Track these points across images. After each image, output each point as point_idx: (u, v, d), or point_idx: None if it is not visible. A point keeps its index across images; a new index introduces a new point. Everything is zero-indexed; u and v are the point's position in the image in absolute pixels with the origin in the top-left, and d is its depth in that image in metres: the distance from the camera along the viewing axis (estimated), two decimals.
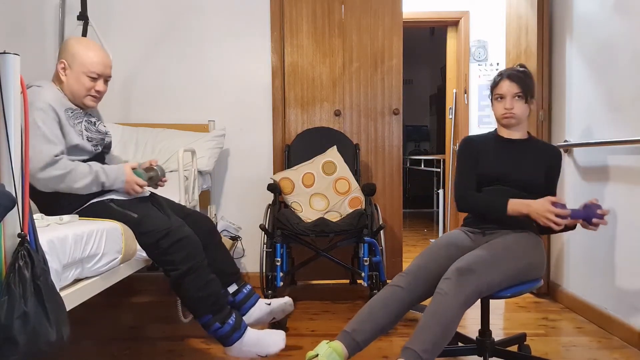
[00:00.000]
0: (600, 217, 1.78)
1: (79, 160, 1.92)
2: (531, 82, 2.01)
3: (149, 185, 2.10)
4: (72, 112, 1.95)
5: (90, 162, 1.95)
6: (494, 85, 2.04)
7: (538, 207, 1.81)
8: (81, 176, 1.87)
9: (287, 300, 2.27)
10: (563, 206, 1.81)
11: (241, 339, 1.91)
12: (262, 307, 2.20)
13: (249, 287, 2.23)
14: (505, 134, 2.05)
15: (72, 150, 1.91)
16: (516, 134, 2.04)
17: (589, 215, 1.79)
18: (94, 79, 1.97)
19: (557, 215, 1.78)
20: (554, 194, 2.00)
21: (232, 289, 2.17)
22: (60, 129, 1.87)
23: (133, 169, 2.02)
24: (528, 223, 1.94)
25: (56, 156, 1.82)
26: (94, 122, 2.05)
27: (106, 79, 2.02)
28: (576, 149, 2.78)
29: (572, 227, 1.88)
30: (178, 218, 2.03)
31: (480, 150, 2.04)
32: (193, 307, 1.91)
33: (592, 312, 2.61)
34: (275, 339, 1.96)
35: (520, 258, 1.80)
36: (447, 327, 1.60)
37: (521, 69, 2.05)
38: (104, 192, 1.95)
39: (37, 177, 1.79)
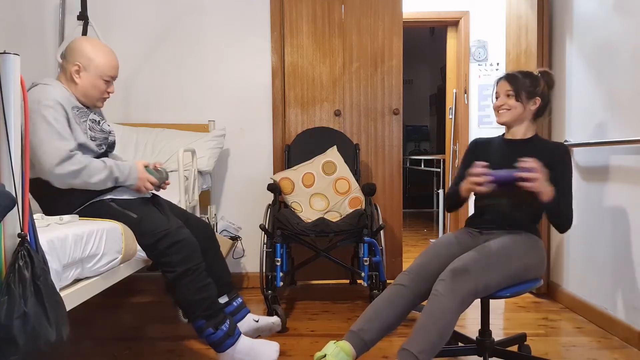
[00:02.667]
0: (524, 170, 1.73)
1: None
2: (532, 82, 2.00)
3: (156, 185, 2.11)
4: (78, 111, 1.95)
5: (103, 158, 1.96)
6: (494, 86, 2.09)
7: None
8: (96, 171, 1.88)
9: (275, 320, 2.28)
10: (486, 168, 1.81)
11: (234, 346, 1.89)
12: (250, 322, 2.20)
13: (240, 300, 2.23)
14: (509, 134, 2.07)
15: (80, 148, 1.91)
16: (519, 134, 2.04)
17: (511, 173, 1.76)
18: (107, 82, 2.02)
19: (479, 176, 1.79)
20: (565, 191, 1.90)
21: (222, 300, 2.15)
22: (69, 126, 1.88)
23: (145, 166, 2.04)
24: (527, 224, 1.94)
25: (71, 151, 1.83)
26: (98, 121, 2.05)
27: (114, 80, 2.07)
28: (576, 149, 2.78)
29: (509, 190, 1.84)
30: (177, 220, 2.03)
31: (484, 153, 2.07)
32: (187, 310, 1.90)
33: (592, 312, 2.61)
34: (269, 350, 1.95)
35: (517, 258, 1.80)
36: (443, 329, 1.60)
37: (529, 70, 2.07)
38: (104, 191, 1.95)
39: (55, 173, 1.80)
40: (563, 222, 1.89)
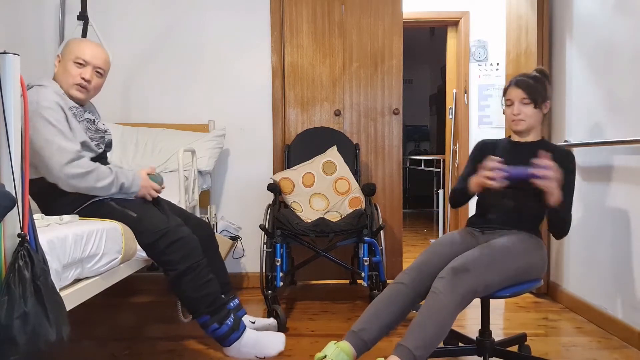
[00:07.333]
0: (539, 167, 1.72)
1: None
2: (542, 86, 1.99)
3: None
4: (76, 110, 1.95)
5: (109, 165, 1.98)
6: (504, 92, 2.05)
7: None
8: (103, 176, 1.88)
9: (271, 321, 2.29)
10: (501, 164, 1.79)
11: (239, 339, 1.91)
12: (246, 324, 2.20)
13: (236, 301, 2.23)
14: (517, 137, 2.06)
15: (82, 147, 1.91)
16: (528, 137, 2.03)
17: (526, 170, 1.75)
18: (81, 65, 1.95)
19: (492, 171, 1.77)
20: (568, 199, 1.89)
21: None
22: (68, 126, 1.87)
23: (148, 174, 2.04)
24: (529, 224, 1.94)
25: (79, 152, 1.83)
26: (93, 120, 2.05)
27: (96, 70, 1.99)
28: (576, 149, 2.78)
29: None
30: (177, 218, 2.03)
31: (491, 154, 2.05)
32: (191, 306, 1.91)
33: (592, 312, 2.61)
34: (275, 342, 1.96)
35: (518, 258, 1.79)
36: (441, 326, 1.60)
37: (534, 73, 2.04)
38: None
39: (63, 173, 1.79)
40: (562, 228, 1.89)
